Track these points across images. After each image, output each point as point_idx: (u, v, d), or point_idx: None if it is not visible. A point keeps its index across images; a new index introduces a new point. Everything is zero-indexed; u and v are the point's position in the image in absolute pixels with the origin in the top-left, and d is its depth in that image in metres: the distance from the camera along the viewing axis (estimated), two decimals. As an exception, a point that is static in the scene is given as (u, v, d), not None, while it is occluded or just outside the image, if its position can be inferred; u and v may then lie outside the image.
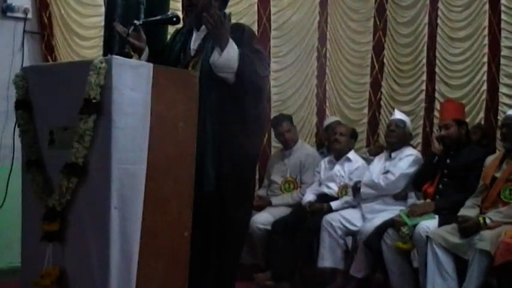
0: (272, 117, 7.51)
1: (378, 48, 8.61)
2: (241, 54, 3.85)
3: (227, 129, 3.90)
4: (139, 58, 3.93)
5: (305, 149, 7.27)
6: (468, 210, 5.32)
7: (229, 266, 4.04)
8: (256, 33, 7.74)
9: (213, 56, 3.86)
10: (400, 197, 6.24)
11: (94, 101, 3.18)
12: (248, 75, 3.85)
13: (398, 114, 6.54)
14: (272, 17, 8.16)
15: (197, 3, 4.00)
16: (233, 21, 4.30)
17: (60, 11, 6.76)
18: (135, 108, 3.28)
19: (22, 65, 6.16)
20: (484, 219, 5.07)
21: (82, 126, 3.19)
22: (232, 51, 3.82)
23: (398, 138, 6.36)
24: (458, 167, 5.76)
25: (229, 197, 3.94)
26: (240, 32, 4.04)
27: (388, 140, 6.45)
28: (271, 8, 8.14)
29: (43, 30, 6.72)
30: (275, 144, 7.87)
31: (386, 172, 6.25)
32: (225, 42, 3.82)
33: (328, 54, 8.51)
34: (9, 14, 6.58)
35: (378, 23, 8.60)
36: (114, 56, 3.29)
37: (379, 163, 6.44)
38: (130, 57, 3.85)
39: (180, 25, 4.25)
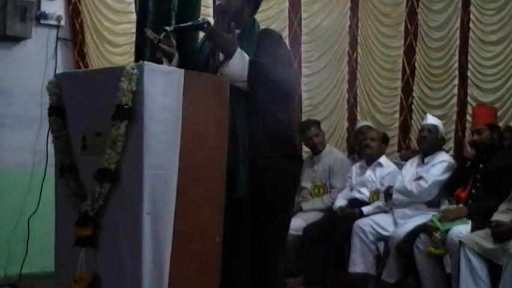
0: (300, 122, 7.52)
1: (409, 53, 8.58)
2: (252, 62, 3.81)
3: (257, 136, 3.88)
4: (169, 64, 3.95)
5: (334, 153, 7.26)
6: (501, 215, 5.27)
7: (269, 269, 4.01)
8: (287, 38, 7.78)
9: (222, 66, 3.86)
10: (433, 204, 6.19)
11: (126, 106, 3.20)
12: (259, 82, 3.80)
13: (430, 119, 6.48)
14: (303, 22, 8.17)
15: (228, 10, 4.01)
16: (264, 26, 4.30)
17: (92, 18, 6.83)
18: (166, 114, 3.29)
19: (55, 72, 6.23)
20: (517, 224, 5.03)
21: (114, 132, 3.21)
22: (239, 59, 3.77)
23: (430, 144, 6.30)
24: (491, 172, 5.71)
25: (269, 201, 3.91)
26: (265, 37, 4.03)
27: (421, 146, 6.40)
28: (302, 13, 8.16)
29: (75, 37, 6.80)
30: (305, 149, 7.87)
31: (419, 178, 6.20)
32: (230, 51, 3.79)
33: (359, 59, 8.50)
34: (43, 21, 6.66)
35: (409, 27, 8.57)
36: (146, 62, 3.30)
37: (411, 168, 6.39)
38: (162, 63, 3.86)
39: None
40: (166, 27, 3.93)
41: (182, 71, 3.40)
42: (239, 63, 3.77)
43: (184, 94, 3.36)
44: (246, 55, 3.79)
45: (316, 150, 7.18)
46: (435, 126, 6.37)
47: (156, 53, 3.93)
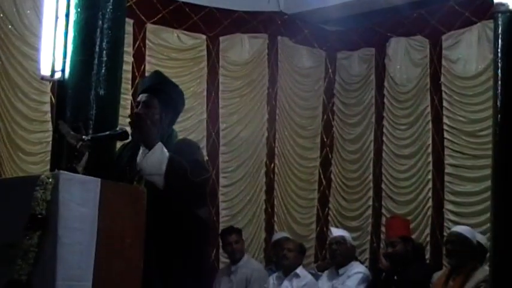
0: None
1: (326, 164, 8.73)
2: (172, 157, 3.81)
3: (170, 243, 3.85)
4: (79, 162, 3.91)
5: (251, 264, 7.22)
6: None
7: None
8: (205, 148, 7.83)
9: (139, 157, 3.83)
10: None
11: (40, 216, 3.14)
12: (177, 179, 3.79)
13: (336, 231, 6.61)
14: (221, 133, 8.25)
15: (140, 116, 3.99)
16: (182, 136, 4.33)
17: (6, 127, 6.72)
18: (82, 224, 3.24)
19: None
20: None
21: (26, 242, 3.13)
22: (159, 153, 3.78)
23: (343, 256, 6.37)
24: (406, 284, 5.77)
25: None
26: (183, 146, 4.04)
27: (334, 260, 6.46)
28: (220, 124, 8.25)
29: (-11, 146, 6.68)
30: (223, 259, 7.82)
31: (335, 290, 6.22)
32: (152, 143, 3.79)
33: (276, 170, 8.59)
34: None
35: (325, 140, 8.75)
36: (62, 172, 3.27)
37: (327, 280, 6.41)
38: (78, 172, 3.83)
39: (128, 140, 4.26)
40: (84, 136, 3.91)
41: (99, 180, 3.37)
42: (159, 156, 3.76)
43: (101, 204, 3.31)
44: (166, 150, 3.79)
45: (235, 258, 7.14)
46: (342, 237, 6.47)
47: (73, 161, 3.90)
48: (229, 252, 7.23)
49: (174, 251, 3.88)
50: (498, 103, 4.45)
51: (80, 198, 3.24)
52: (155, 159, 3.76)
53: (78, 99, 4.84)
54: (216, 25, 8.30)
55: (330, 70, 8.83)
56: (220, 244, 7.51)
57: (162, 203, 3.79)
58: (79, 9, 4.93)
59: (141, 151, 3.90)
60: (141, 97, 4.07)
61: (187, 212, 3.89)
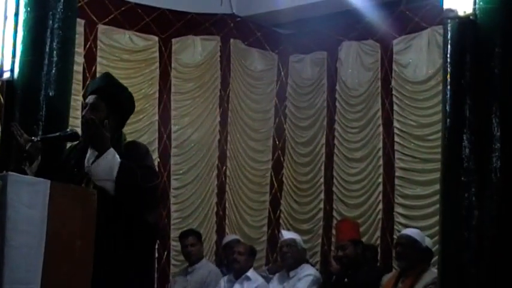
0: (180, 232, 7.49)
1: (277, 167, 8.75)
2: (123, 164, 3.80)
3: (116, 248, 3.83)
4: (30, 167, 3.86)
5: (209, 266, 7.23)
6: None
7: None
8: (157, 151, 7.80)
9: (87, 159, 3.81)
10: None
11: (-13, 219, 3.10)
12: (128, 185, 3.78)
13: (286, 234, 6.65)
14: (173, 135, 8.22)
15: (93, 121, 3.96)
16: (132, 138, 4.31)
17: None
18: (30, 226, 3.20)
19: None
20: None
21: (-27, 245, 3.09)
22: (111, 158, 3.77)
23: (293, 258, 6.41)
24: (356, 286, 5.82)
25: None
26: (132, 149, 4.02)
27: (285, 263, 6.49)
28: (172, 126, 8.21)
29: None
30: (174, 262, 7.79)
31: (285, 293, 6.25)
32: (103, 148, 3.78)
33: (228, 172, 8.58)
34: None
35: (277, 142, 8.77)
36: (10, 173, 3.23)
37: (278, 283, 6.43)
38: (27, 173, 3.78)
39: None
40: (33, 137, 3.87)
41: (48, 182, 3.34)
42: (111, 161, 3.75)
43: (50, 206, 3.28)
44: (118, 156, 3.77)
45: (190, 261, 7.13)
46: (293, 240, 6.50)
47: (22, 162, 3.85)
48: (185, 255, 7.22)
49: (120, 256, 3.86)
50: (447, 107, 4.51)
51: (28, 200, 3.20)
52: (106, 164, 3.75)
53: (27, 100, 4.80)
54: (168, 27, 8.26)
55: (282, 73, 8.85)
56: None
57: (112, 207, 3.77)
58: (29, 9, 4.88)
59: (89, 153, 3.87)
60: (89, 99, 4.05)
61: (136, 217, 3.88)
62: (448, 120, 4.52)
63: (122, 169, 3.77)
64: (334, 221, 7.88)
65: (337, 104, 8.22)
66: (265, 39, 8.84)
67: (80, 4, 6.65)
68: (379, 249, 7.29)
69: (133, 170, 3.80)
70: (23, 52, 4.87)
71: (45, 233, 3.26)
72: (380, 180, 7.68)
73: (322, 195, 8.27)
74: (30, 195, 3.23)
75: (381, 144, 7.74)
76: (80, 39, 7.17)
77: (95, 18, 7.77)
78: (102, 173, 3.75)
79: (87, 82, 7.25)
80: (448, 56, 4.54)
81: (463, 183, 4.34)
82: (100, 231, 3.59)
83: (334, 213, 8.03)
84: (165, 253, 7.78)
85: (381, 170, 7.69)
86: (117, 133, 4.04)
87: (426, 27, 7.45)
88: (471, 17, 4.34)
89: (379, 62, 7.92)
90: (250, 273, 6.79)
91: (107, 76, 4.28)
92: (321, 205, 8.26)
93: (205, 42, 8.49)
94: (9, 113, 4.65)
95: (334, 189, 8.10)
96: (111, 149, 3.79)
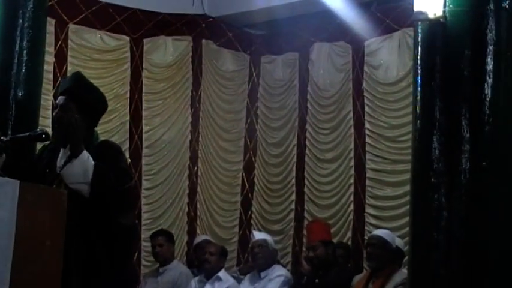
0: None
1: (249, 168, 8.75)
2: (97, 166, 3.79)
3: (91, 250, 3.81)
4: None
5: (180, 267, 7.22)
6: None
7: None
8: (128, 151, 7.76)
9: (59, 160, 3.79)
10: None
11: (-46, 219, 3.06)
12: (103, 187, 3.78)
13: (258, 235, 6.67)
14: (144, 135, 8.20)
15: (63, 121, 3.94)
16: (104, 138, 4.29)
17: None
18: (-1, 227, 3.17)
19: None
20: None
21: None
22: (85, 160, 3.76)
23: (265, 259, 6.42)
24: (327, 287, 5.84)
25: None
26: (105, 149, 4.01)
27: (256, 263, 6.50)
28: (143, 126, 8.19)
29: None
30: (145, 262, 7.77)
31: (256, 294, 6.25)
32: (77, 150, 3.76)
33: (199, 173, 8.57)
34: None
35: (249, 143, 8.78)
36: (-22, 173, 3.20)
37: (249, 283, 6.44)
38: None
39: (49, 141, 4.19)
40: (2, 137, 3.84)
41: (17, 182, 3.30)
42: (85, 163, 3.74)
43: (19, 206, 3.25)
44: (91, 159, 3.76)
45: (159, 261, 7.12)
46: (264, 241, 6.52)
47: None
48: (153, 255, 7.21)
49: (95, 259, 3.84)
50: (417, 109, 4.54)
51: (-4, 201, 3.17)
52: (80, 166, 3.73)
53: (-4, 99, 4.75)
54: (139, 27, 8.24)
55: (254, 74, 8.86)
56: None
57: (85, 210, 3.76)
58: (-2, 7, 4.83)
59: (61, 153, 3.85)
60: (59, 100, 4.03)
61: (111, 219, 3.86)
62: (418, 121, 4.55)
63: (96, 172, 3.76)
64: (306, 222, 7.90)
65: (308, 105, 8.24)
66: (237, 40, 8.84)
67: (50, 3, 6.61)
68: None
69: (108, 173, 3.79)
70: (-8, 51, 4.83)
71: (14, 233, 3.23)
72: (351, 181, 7.71)
73: (293, 196, 8.29)
74: (-1, 195, 3.20)
75: (352, 145, 7.77)
76: (50, 38, 7.14)
77: (65, 18, 7.73)
78: (77, 176, 3.74)
79: (58, 81, 7.21)
80: (419, 57, 4.57)
81: (433, 184, 4.36)
82: (73, 233, 3.58)
83: (306, 214, 8.05)
84: (136, 254, 7.74)
85: (352, 171, 7.73)
86: (88, 133, 4.02)
87: (397, 29, 7.50)
88: (441, 20, 4.37)
89: (351, 63, 7.95)
90: (222, 273, 6.79)
91: (77, 76, 4.24)
92: (292, 206, 8.28)
93: (177, 42, 8.48)
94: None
95: (305, 190, 8.12)
96: (85, 151, 3.77)
